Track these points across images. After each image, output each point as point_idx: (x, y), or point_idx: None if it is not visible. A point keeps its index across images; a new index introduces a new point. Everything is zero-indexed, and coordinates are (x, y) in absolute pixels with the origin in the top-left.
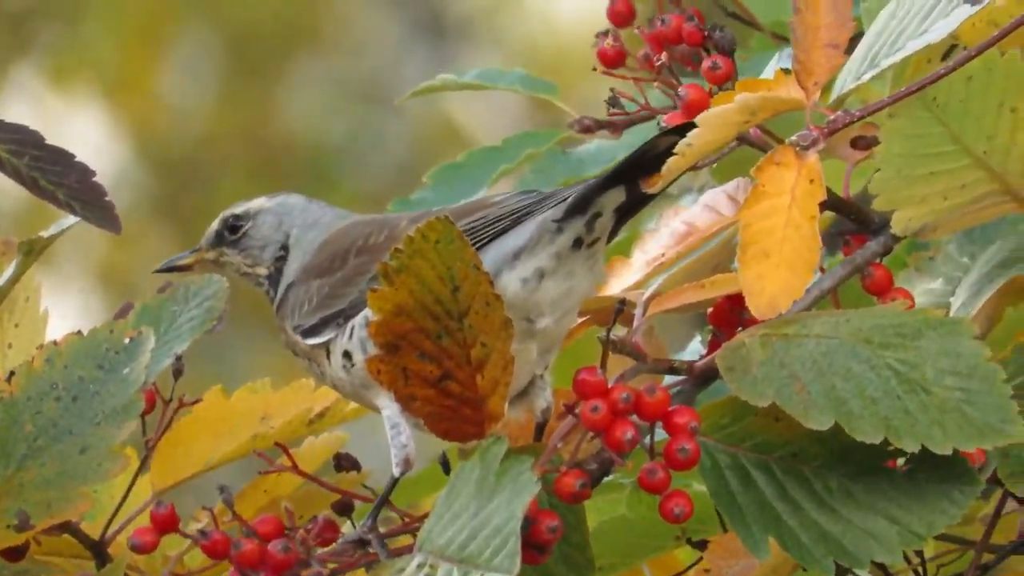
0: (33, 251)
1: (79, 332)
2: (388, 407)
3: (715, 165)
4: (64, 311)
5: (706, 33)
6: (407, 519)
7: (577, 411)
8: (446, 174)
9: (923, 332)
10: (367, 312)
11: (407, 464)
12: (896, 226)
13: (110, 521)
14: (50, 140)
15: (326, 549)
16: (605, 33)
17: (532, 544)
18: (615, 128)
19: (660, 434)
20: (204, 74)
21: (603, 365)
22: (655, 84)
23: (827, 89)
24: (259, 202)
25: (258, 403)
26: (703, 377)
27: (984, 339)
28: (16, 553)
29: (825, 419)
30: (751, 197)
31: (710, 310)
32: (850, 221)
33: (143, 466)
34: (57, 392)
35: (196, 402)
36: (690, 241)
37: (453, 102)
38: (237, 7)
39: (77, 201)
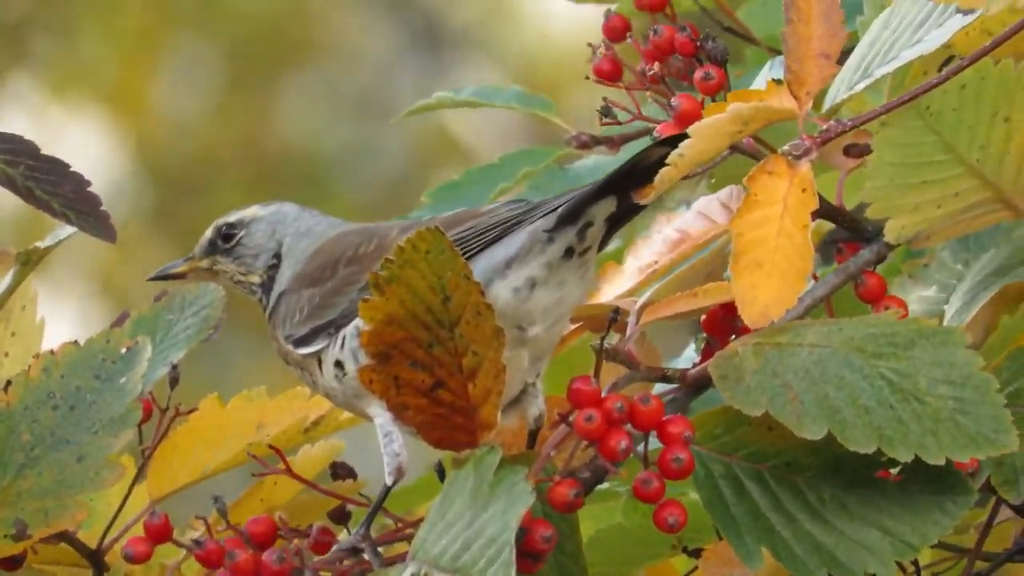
0: (30, 261)
1: (76, 342)
2: (380, 416)
3: (712, 181)
4: (62, 319)
5: (698, 44)
6: (401, 523)
7: (571, 420)
8: (444, 193)
9: (916, 341)
10: (358, 322)
11: (400, 472)
12: (889, 234)
13: (107, 530)
14: (48, 150)
15: (320, 557)
16: (599, 46)
17: (526, 553)
18: (612, 144)
19: (654, 443)
20: (201, 85)
21: (596, 374)
22: (648, 95)
23: (820, 99)
24: (252, 210)
25: (254, 412)
26: (696, 385)
27: (980, 347)
28: (13, 562)
29: (818, 428)
30: (743, 206)
31: (703, 318)
32: (843, 229)
33: (140, 475)
34: (54, 401)
35: (192, 411)
36: (683, 248)
37: (448, 112)
38: (234, 19)
39: (72, 211)
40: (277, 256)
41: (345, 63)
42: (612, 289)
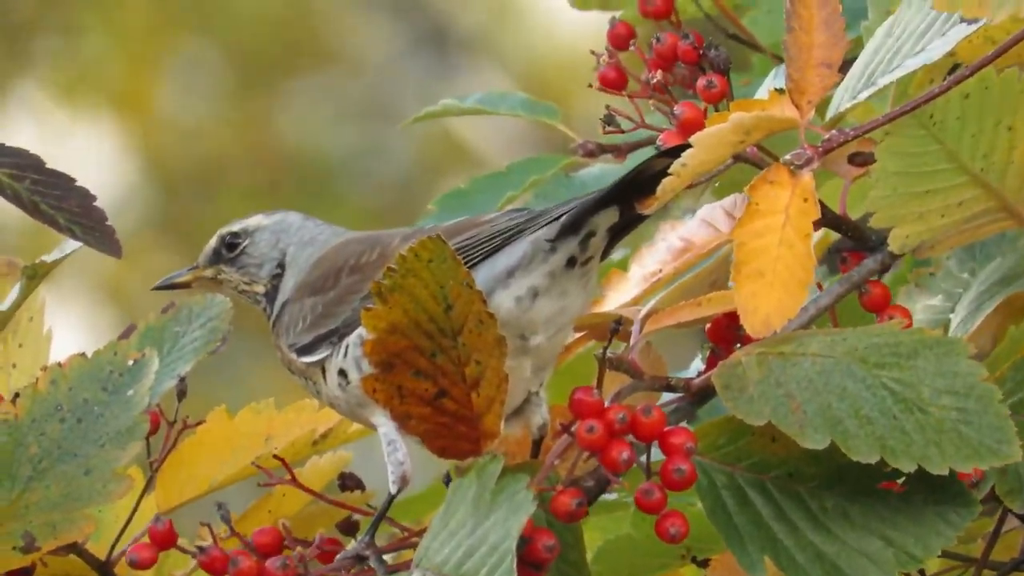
0: (37, 275)
1: (83, 354)
2: (384, 425)
3: (716, 185)
4: (69, 326)
5: (701, 52)
6: (407, 532)
7: (573, 431)
8: (451, 200)
9: (919, 352)
10: (361, 331)
11: (403, 481)
12: (893, 243)
13: (116, 541)
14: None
15: (326, 567)
16: (602, 54)
17: (529, 562)
18: (619, 152)
19: (657, 454)
20: (207, 89)
21: (599, 384)
22: (651, 103)
23: (824, 107)
24: (256, 220)
25: (262, 424)
26: (700, 395)
27: (986, 357)
28: (23, 574)
29: (821, 438)
30: (745, 216)
31: (708, 327)
32: (848, 239)
33: (148, 487)
34: (62, 414)
35: (200, 423)
36: (687, 257)
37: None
38: (239, 23)
39: (78, 225)
40: (281, 265)
41: (351, 67)
42: (617, 297)
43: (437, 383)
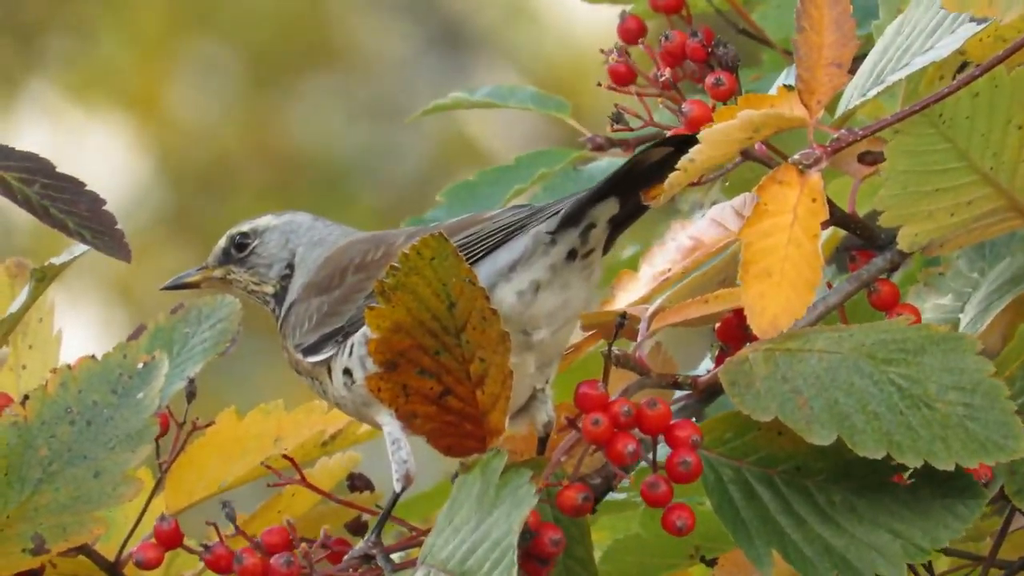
0: (46, 278)
1: (93, 356)
2: (388, 423)
3: (727, 184)
4: (79, 326)
5: (709, 49)
6: (415, 531)
7: (578, 424)
8: (459, 193)
9: (926, 348)
10: (365, 330)
11: (407, 479)
12: (902, 242)
13: (125, 543)
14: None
15: (334, 567)
16: (611, 51)
17: (535, 556)
18: (627, 146)
19: (665, 449)
20: (219, 88)
21: (605, 379)
22: (659, 100)
23: (834, 104)
24: (266, 220)
25: (271, 425)
26: (708, 392)
27: (997, 356)
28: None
29: (827, 434)
30: (753, 215)
31: (718, 325)
32: (857, 237)
33: (158, 488)
34: (71, 416)
35: (209, 425)
36: (697, 256)
37: (467, 114)
38: (251, 22)
39: (87, 230)
40: (290, 266)
41: (363, 66)
42: (626, 296)
43: (442, 381)
